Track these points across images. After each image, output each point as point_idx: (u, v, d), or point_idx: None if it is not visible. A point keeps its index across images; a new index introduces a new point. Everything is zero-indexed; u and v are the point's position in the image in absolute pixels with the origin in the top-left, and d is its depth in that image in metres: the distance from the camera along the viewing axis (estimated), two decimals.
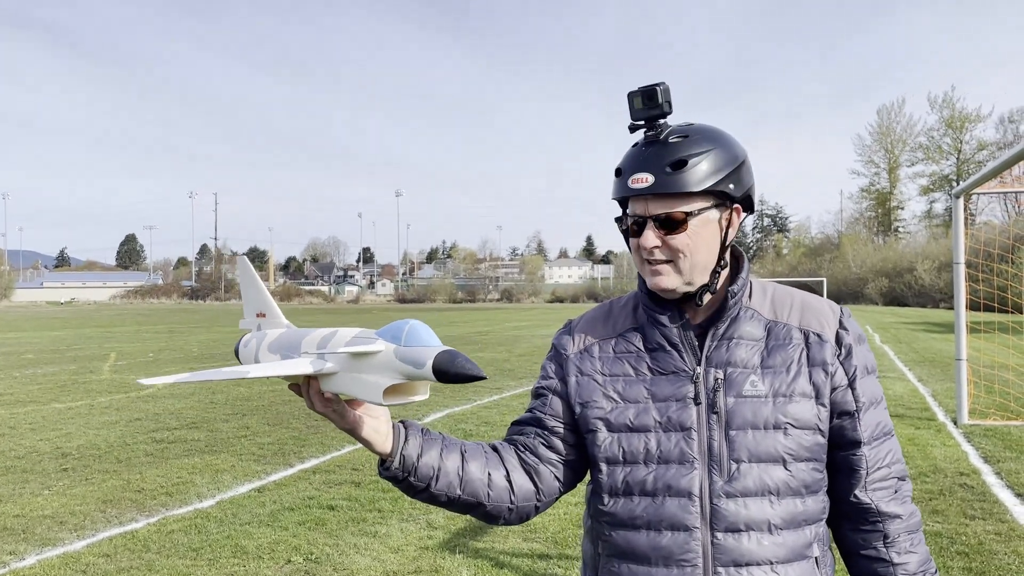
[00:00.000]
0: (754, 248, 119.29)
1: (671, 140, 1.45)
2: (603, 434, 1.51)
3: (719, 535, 1.43)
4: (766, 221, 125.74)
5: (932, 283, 61.50)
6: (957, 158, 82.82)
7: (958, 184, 10.37)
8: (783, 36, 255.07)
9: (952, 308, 10.41)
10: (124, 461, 8.19)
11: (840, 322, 1.53)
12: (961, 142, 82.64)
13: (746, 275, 1.54)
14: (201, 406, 11.89)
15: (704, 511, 1.44)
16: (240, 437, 9.44)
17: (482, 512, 1.57)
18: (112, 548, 5.55)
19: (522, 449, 1.61)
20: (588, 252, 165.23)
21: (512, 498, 1.56)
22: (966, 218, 10.54)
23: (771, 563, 1.43)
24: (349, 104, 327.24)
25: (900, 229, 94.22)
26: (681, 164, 1.42)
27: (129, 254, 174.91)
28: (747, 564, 1.42)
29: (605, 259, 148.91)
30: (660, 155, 1.44)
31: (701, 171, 1.42)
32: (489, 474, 1.55)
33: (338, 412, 1.40)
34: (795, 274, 77.58)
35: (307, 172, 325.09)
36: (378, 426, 1.44)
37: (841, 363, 1.50)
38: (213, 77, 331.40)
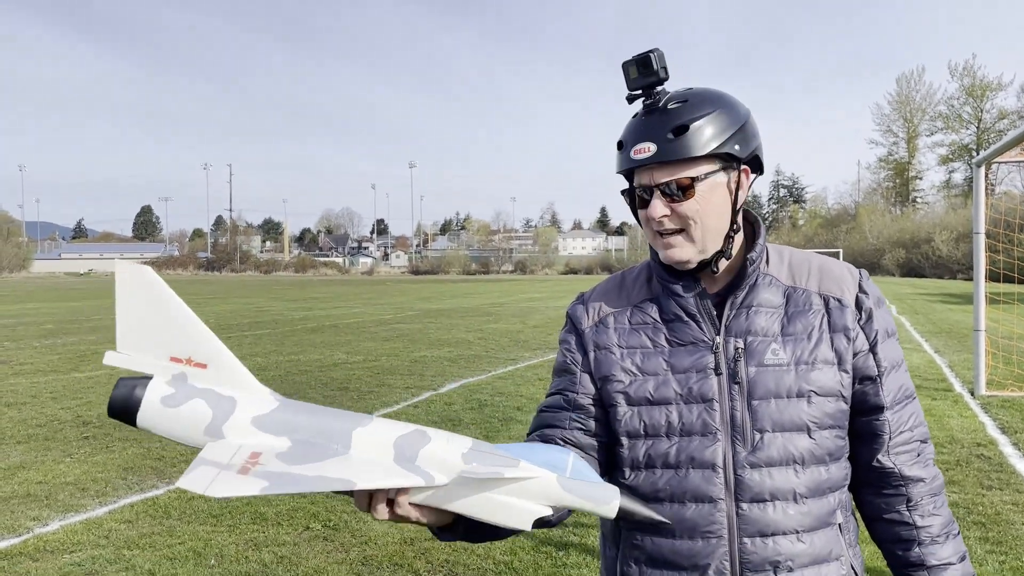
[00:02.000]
0: (770, 219, 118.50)
1: (671, 106, 1.41)
2: (623, 408, 1.48)
3: (744, 506, 1.41)
4: (782, 192, 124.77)
5: (950, 254, 60.96)
6: (977, 127, 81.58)
7: (978, 154, 10.23)
8: (801, 4, 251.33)
9: (970, 279, 10.33)
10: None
11: (860, 285, 1.50)
12: (981, 111, 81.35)
13: (763, 241, 1.51)
14: None
15: (728, 482, 1.42)
16: None
17: (547, 525, 1.50)
18: (134, 514, 5.64)
19: (563, 444, 1.52)
20: (602, 223, 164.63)
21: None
22: (986, 188, 10.41)
23: (797, 532, 1.42)
24: (363, 76, 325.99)
25: (918, 199, 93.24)
26: (683, 129, 1.39)
27: (145, 225, 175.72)
28: (773, 534, 1.41)
29: (619, 231, 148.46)
30: (661, 122, 1.40)
31: (704, 135, 1.39)
32: None
33: (406, 516, 1.25)
34: (811, 245, 77.08)
35: (321, 144, 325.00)
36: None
37: (862, 328, 1.47)
38: (227, 49, 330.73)
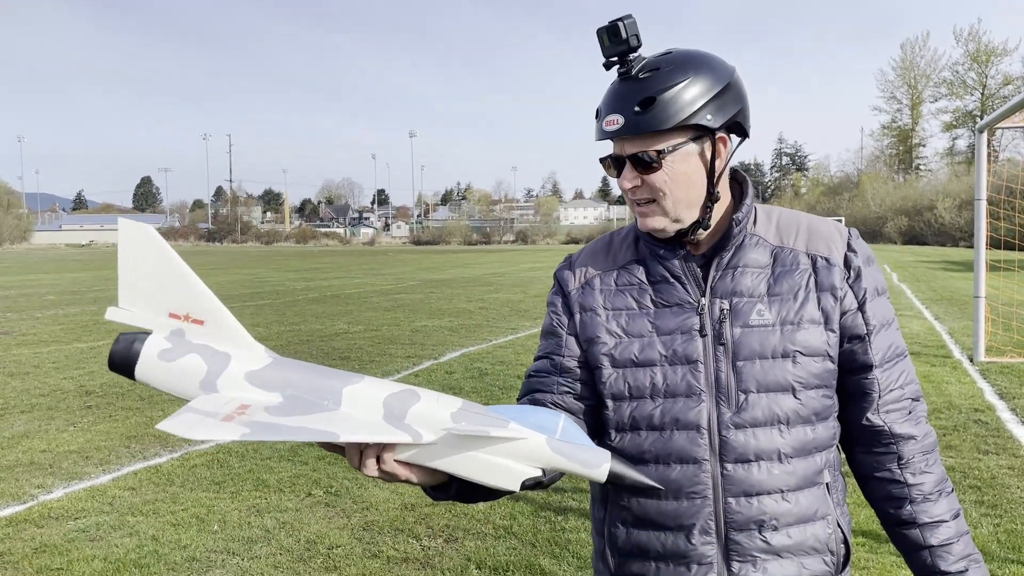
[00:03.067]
0: (772, 187, 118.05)
1: (642, 76, 1.39)
2: (608, 370, 1.49)
3: (728, 466, 1.42)
4: (784, 160, 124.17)
5: (952, 221, 60.71)
6: (982, 93, 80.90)
7: (982, 120, 10.17)
8: None
9: (971, 247, 10.32)
10: (147, 399, 8.34)
11: (848, 244, 1.50)
12: (986, 77, 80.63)
13: (750, 201, 1.51)
14: None
15: (713, 443, 1.43)
16: None
17: (539, 487, 1.50)
18: (137, 481, 5.70)
19: (552, 409, 1.49)
20: (604, 193, 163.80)
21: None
22: (989, 154, 10.36)
23: (782, 491, 1.43)
24: (362, 44, 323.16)
25: (921, 167, 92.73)
26: (649, 102, 1.37)
27: (145, 196, 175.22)
28: (757, 494, 1.42)
29: (620, 200, 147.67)
30: (631, 93, 1.39)
31: (672, 107, 1.37)
32: None
33: (394, 474, 1.26)
34: (813, 213, 76.54)
35: (320, 114, 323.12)
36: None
37: (850, 286, 1.47)
38: (225, 17, 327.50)
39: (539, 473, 1.25)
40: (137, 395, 8.54)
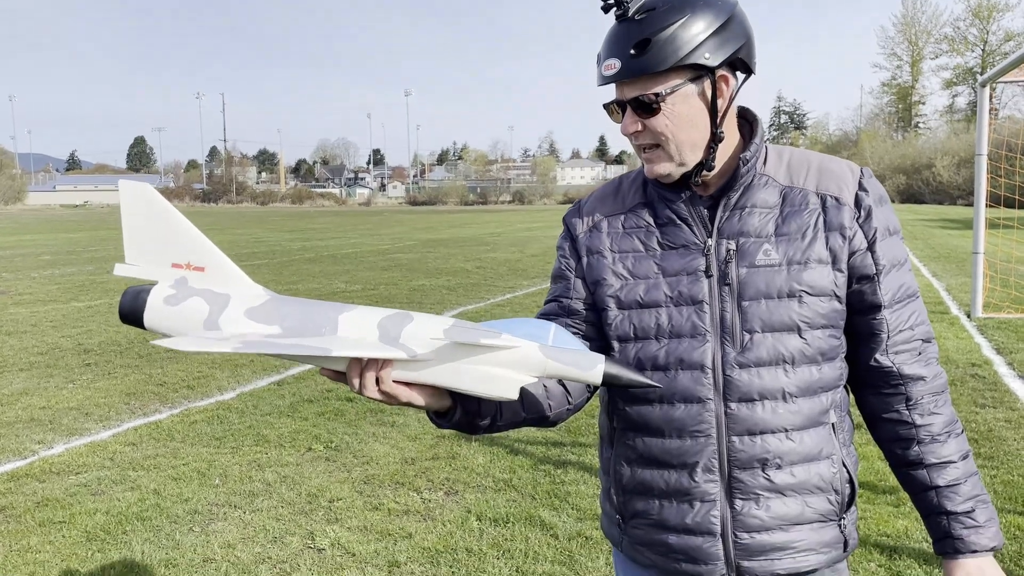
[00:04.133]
0: None
1: (637, 17, 1.37)
2: (613, 312, 1.50)
3: (732, 405, 1.43)
4: (783, 118, 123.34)
5: (950, 180, 60.53)
6: (983, 49, 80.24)
7: (982, 77, 10.09)
8: None
9: (970, 205, 10.29)
10: (145, 357, 8.34)
11: (860, 183, 1.47)
12: (988, 32, 79.90)
13: (760, 140, 1.48)
14: None
15: (717, 383, 1.43)
16: None
17: (548, 423, 1.52)
18: (137, 437, 5.71)
19: None
20: (601, 152, 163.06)
21: (551, 404, 1.50)
22: (990, 110, 10.27)
23: (786, 430, 1.43)
24: (358, 1, 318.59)
25: (920, 125, 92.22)
26: (644, 44, 1.35)
27: (139, 157, 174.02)
28: (761, 432, 1.42)
29: (618, 159, 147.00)
30: (626, 36, 1.37)
31: (667, 48, 1.34)
32: (545, 386, 1.49)
33: (395, 395, 1.28)
34: None
35: (315, 72, 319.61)
36: (432, 388, 1.32)
37: (860, 226, 1.45)
38: None
39: (535, 380, 1.27)
40: (136, 353, 8.54)
